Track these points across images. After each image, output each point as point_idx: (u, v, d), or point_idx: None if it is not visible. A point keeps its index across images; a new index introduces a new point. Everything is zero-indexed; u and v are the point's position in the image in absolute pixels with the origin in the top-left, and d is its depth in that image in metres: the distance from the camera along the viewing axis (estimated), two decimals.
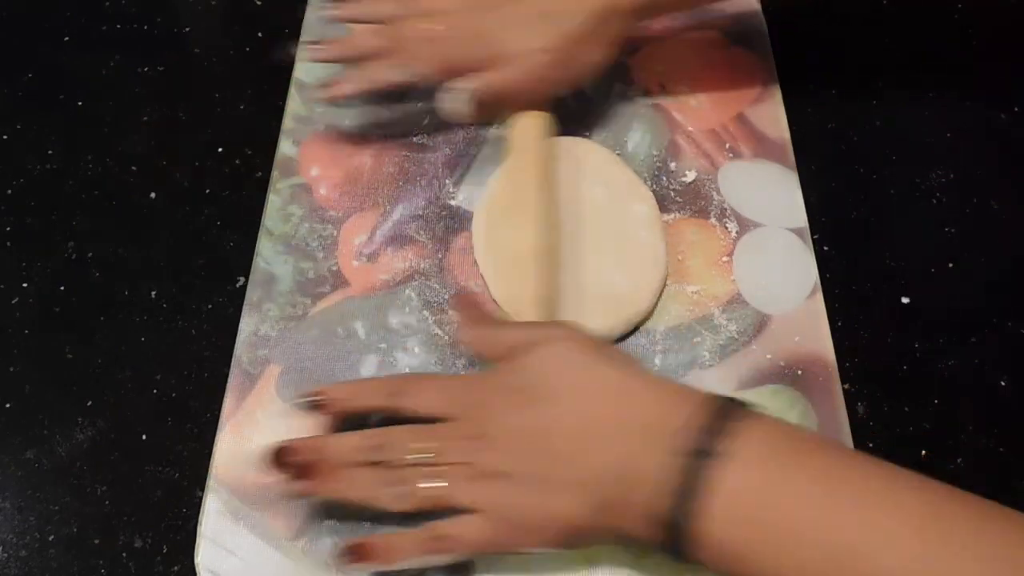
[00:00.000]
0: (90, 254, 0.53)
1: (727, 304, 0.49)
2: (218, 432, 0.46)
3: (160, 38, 0.63)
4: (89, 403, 0.48)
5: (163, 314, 0.51)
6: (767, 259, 0.51)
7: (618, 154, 0.55)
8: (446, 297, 0.50)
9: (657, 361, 0.48)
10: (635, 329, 0.49)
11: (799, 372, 0.47)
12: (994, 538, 0.33)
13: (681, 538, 0.36)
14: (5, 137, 0.58)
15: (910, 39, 0.61)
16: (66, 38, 0.63)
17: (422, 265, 0.51)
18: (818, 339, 0.48)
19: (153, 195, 0.55)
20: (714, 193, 0.53)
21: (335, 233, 0.52)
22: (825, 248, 0.52)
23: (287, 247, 0.52)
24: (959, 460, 0.45)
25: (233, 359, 0.48)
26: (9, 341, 0.50)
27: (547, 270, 0.48)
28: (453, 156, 0.55)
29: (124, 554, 0.43)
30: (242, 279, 0.51)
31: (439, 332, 0.49)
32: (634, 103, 0.57)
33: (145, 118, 0.59)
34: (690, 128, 0.56)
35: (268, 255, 0.52)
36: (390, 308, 0.50)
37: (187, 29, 0.64)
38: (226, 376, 0.47)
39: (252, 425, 0.46)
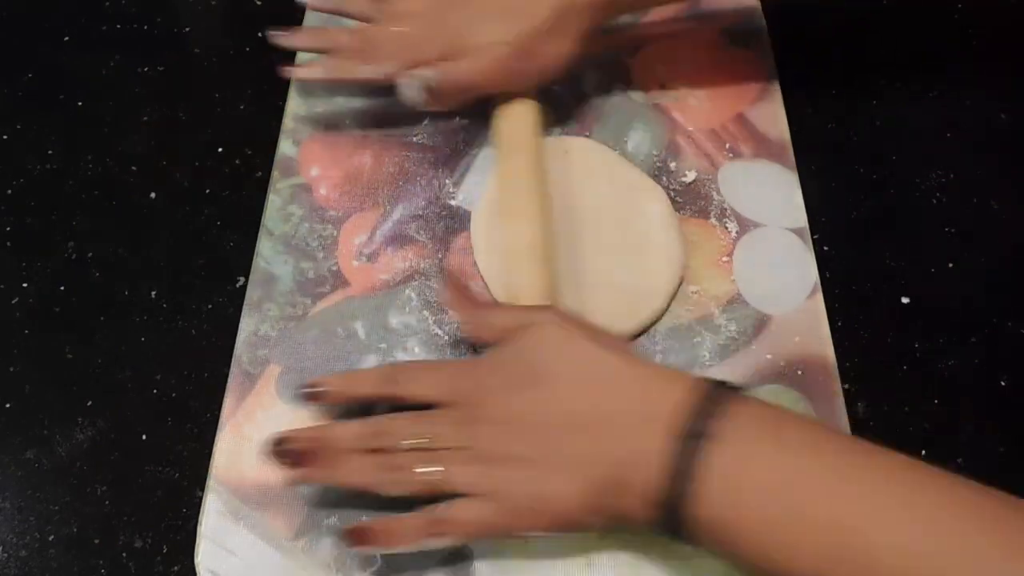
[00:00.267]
0: (90, 254, 0.53)
1: (727, 304, 0.49)
2: (218, 432, 0.46)
3: (160, 38, 0.63)
4: (89, 403, 0.48)
5: (163, 314, 0.51)
6: (767, 259, 0.51)
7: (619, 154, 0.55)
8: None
9: (657, 361, 0.48)
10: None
11: (799, 372, 0.47)
12: (995, 512, 0.33)
13: (678, 519, 0.36)
14: (5, 137, 0.58)
15: (910, 39, 0.61)
16: (66, 38, 0.63)
17: (422, 265, 0.51)
18: (818, 339, 0.48)
19: (153, 195, 0.55)
20: (714, 193, 0.53)
21: (335, 233, 0.52)
22: (825, 248, 0.52)
23: (287, 247, 0.52)
24: (959, 460, 0.45)
25: (233, 359, 0.48)
26: (9, 341, 0.50)
27: (547, 269, 0.48)
28: (453, 156, 0.55)
29: (124, 554, 0.44)
30: (242, 279, 0.51)
31: (439, 332, 0.49)
32: (634, 103, 0.57)
33: (145, 118, 0.59)
34: (690, 128, 0.56)
35: (268, 255, 0.52)
36: (390, 308, 0.50)
37: (187, 29, 0.64)
38: (226, 376, 0.48)
39: (252, 425, 0.46)
